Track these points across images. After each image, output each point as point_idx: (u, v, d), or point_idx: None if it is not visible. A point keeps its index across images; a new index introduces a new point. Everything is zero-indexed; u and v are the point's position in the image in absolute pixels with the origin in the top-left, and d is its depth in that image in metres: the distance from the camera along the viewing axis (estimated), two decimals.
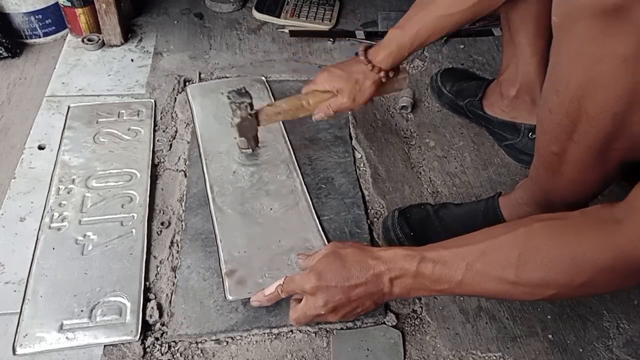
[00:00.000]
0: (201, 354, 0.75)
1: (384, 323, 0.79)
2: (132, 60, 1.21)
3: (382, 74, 0.87)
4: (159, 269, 0.84)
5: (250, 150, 0.95)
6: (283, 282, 0.71)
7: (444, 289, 0.61)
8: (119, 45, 1.24)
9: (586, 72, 0.57)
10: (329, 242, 0.87)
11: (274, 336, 0.77)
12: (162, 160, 1.00)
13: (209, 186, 0.94)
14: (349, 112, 1.12)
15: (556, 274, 0.54)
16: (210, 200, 0.91)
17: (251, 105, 0.87)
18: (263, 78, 1.17)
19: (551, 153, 0.68)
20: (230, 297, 0.78)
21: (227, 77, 1.19)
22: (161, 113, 1.09)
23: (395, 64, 0.88)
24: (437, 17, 0.83)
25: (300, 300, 0.70)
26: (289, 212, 0.91)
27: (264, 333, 0.77)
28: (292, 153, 1.01)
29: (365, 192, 0.98)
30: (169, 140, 1.04)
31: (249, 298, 0.76)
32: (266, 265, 0.83)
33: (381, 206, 0.96)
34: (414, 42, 0.85)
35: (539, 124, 0.71)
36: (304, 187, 0.95)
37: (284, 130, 1.05)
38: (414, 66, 1.26)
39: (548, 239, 0.56)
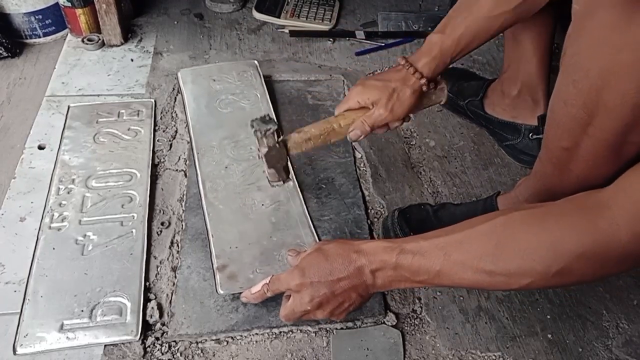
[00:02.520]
0: (201, 354, 0.75)
1: (384, 323, 0.79)
2: (132, 60, 1.21)
3: (423, 80, 0.78)
4: (159, 269, 0.84)
5: (282, 182, 0.83)
6: (269, 281, 0.71)
7: (423, 279, 0.61)
8: (119, 45, 1.24)
9: (607, 61, 0.56)
10: (320, 238, 0.88)
11: (274, 336, 0.77)
12: (162, 160, 1.00)
13: (201, 182, 0.94)
14: None
15: (533, 261, 0.53)
16: (203, 196, 0.92)
17: (278, 132, 0.78)
18: (255, 62, 1.17)
19: (561, 148, 0.67)
20: (221, 291, 0.79)
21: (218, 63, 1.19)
22: (161, 113, 1.09)
23: (437, 71, 0.80)
24: (481, 19, 0.77)
25: (290, 297, 0.70)
26: (280, 208, 0.91)
27: (264, 333, 0.77)
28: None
29: (366, 192, 0.98)
30: (169, 140, 1.04)
31: (241, 293, 0.77)
32: (257, 260, 0.83)
33: (381, 206, 0.96)
34: (457, 46, 0.78)
35: (550, 118, 0.69)
36: (296, 183, 0.95)
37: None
38: None
39: (527, 226, 0.55)
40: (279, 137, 0.78)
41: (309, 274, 0.65)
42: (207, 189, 0.93)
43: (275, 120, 0.80)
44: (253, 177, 0.95)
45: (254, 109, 1.08)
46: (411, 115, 0.83)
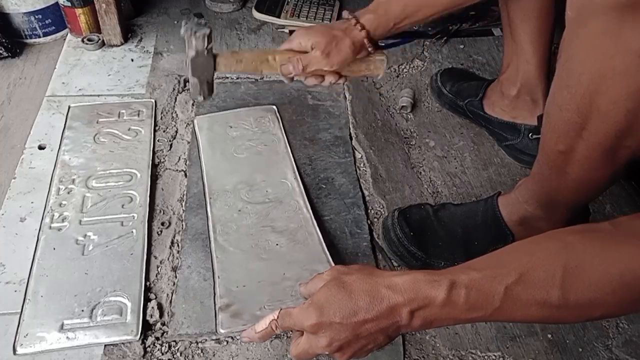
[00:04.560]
0: (201, 354, 0.75)
1: None
2: (132, 60, 1.22)
3: (364, 33, 0.81)
4: (159, 269, 0.84)
5: (202, 97, 0.84)
6: (277, 316, 0.61)
7: (476, 317, 0.53)
8: (119, 45, 1.25)
9: (599, 67, 0.56)
10: None
11: (275, 335, 0.77)
12: (162, 160, 1.01)
13: (212, 225, 0.88)
14: (349, 112, 1.12)
15: (606, 294, 0.49)
16: (212, 239, 0.86)
17: (209, 37, 0.76)
18: (274, 107, 1.10)
19: (557, 152, 0.67)
20: (222, 331, 0.75)
21: (236, 98, 1.19)
22: (161, 113, 1.09)
23: (379, 30, 0.82)
24: None
25: (303, 332, 0.60)
26: (296, 247, 0.85)
27: None
28: (302, 188, 0.95)
29: (366, 192, 0.98)
30: (169, 140, 1.04)
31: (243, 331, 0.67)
32: (266, 296, 0.78)
33: (381, 206, 0.96)
34: (402, 12, 0.80)
35: (545, 122, 0.70)
36: (314, 222, 0.89)
37: (295, 165, 0.99)
38: (413, 66, 1.26)
39: (590, 255, 0.50)
40: (209, 43, 0.77)
41: (328, 312, 0.55)
42: (217, 232, 0.87)
43: (210, 27, 0.78)
44: (268, 219, 0.89)
45: (271, 152, 1.01)
46: (347, 75, 0.86)
